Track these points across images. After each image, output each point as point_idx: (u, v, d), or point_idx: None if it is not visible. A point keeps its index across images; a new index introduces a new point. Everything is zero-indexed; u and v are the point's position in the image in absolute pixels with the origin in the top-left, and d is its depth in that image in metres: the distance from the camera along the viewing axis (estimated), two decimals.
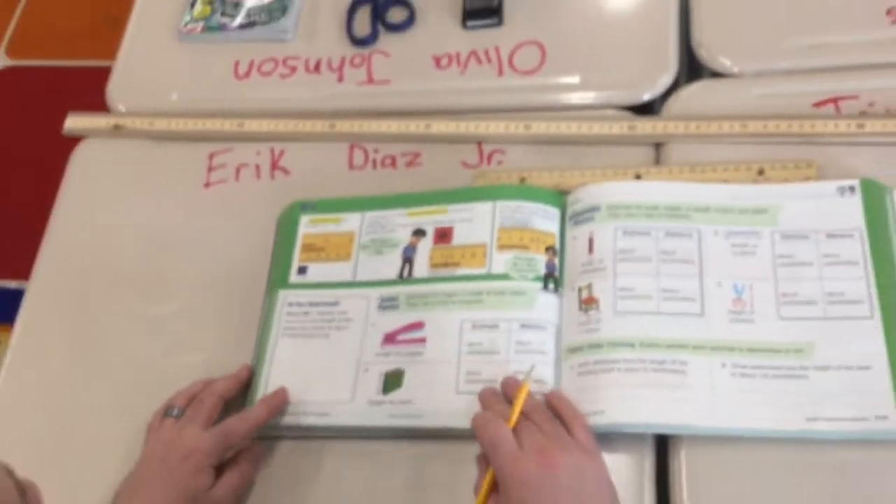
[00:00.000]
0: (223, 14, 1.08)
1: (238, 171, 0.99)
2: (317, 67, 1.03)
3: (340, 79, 1.02)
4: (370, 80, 1.01)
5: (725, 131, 0.87)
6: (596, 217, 0.84)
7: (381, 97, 1.00)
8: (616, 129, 0.90)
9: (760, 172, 0.84)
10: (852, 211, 0.80)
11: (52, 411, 0.90)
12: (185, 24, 1.08)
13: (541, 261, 0.83)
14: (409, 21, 1.03)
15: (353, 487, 0.80)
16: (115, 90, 1.08)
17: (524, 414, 0.73)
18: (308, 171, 0.97)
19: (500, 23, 1.00)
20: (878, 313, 0.75)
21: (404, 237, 0.88)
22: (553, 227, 0.85)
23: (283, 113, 1.00)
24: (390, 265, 0.87)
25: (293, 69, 1.03)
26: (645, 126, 0.90)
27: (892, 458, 0.71)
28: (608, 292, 0.80)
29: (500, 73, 0.97)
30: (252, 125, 1.00)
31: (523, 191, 0.88)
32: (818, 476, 0.72)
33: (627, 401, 0.75)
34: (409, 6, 1.03)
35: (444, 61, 0.99)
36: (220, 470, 0.78)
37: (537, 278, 0.83)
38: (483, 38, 1.00)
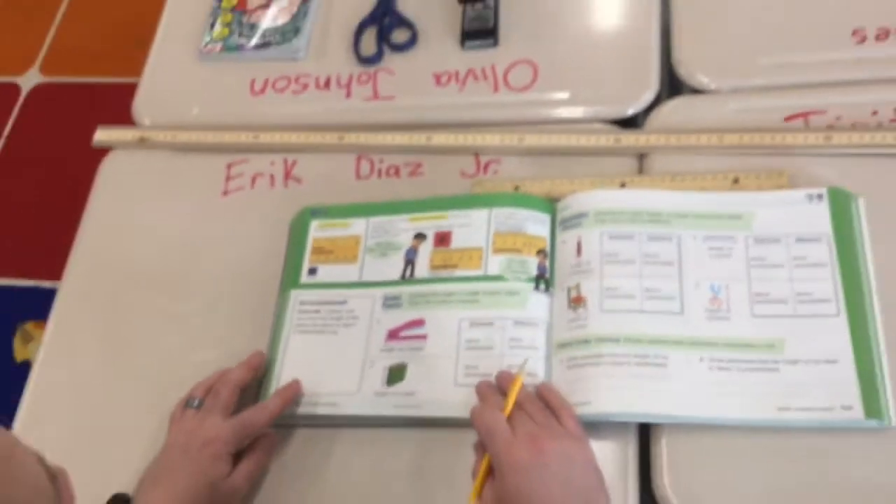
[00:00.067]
0: (240, 35, 1.08)
1: (254, 179, 0.99)
2: (327, 84, 1.03)
3: (348, 95, 1.02)
4: (376, 96, 1.01)
5: (703, 143, 0.87)
6: (584, 222, 0.84)
7: (385, 112, 1.00)
8: (603, 142, 0.90)
9: (735, 181, 0.84)
10: (820, 217, 0.80)
11: (81, 402, 0.90)
12: (206, 45, 1.08)
13: (533, 263, 0.84)
14: (412, 42, 1.03)
15: (360, 471, 0.80)
16: (141, 105, 1.08)
17: (517, 404, 0.73)
18: (318, 180, 0.97)
19: (495, 43, 1.00)
20: (843, 311, 0.75)
21: (406, 241, 0.88)
22: (544, 231, 0.85)
23: (295, 126, 1.00)
24: (394, 267, 0.87)
25: (305, 86, 1.03)
26: (629, 138, 0.90)
27: (857, 445, 0.71)
28: (595, 292, 0.80)
29: (496, 89, 0.97)
30: (267, 137, 1.00)
31: (517, 198, 0.88)
32: (789, 461, 0.72)
33: (613, 392, 0.75)
34: (411, 28, 1.03)
35: (444, 79, 0.99)
36: (237, 457, 0.78)
37: (529, 279, 0.83)
38: (480, 57, 1.00)
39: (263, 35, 1.07)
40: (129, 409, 0.88)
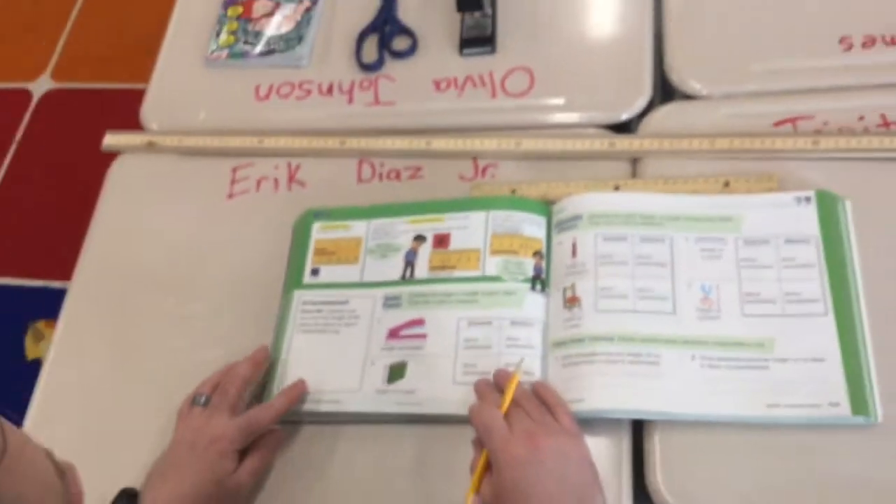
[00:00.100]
0: (245, 43, 1.08)
1: (258, 183, 0.99)
2: (329, 90, 1.03)
3: (350, 100, 1.02)
4: (377, 102, 1.01)
5: (695, 148, 0.87)
6: (579, 225, 0.84)
7: (386, 117, 1.00)
8: (597, 146, 0.90)
9: (726, 184, 0.84)
10: (808, 219, 0.80)
11: (90, 399, 0.90)
12: (212, 52, 1.09)
13: (529, 264, 0.83)
14: (412, 49, 1.03)
15: (362, 466, 0.80)
16: (149, 111, 1.08)
17: (514, 402, 0.73)
18: (321, 183, 0.97)
19: (493, 51, 1.00)
20: (831, 311, 0.75)
21: (406, 242, 0.88)
22: (540, 233, 0.85)
23: (298, 131, 1.00)
24: (394, 267, 0.87)
25: (308, 92, 1.03)
26: (623, 143, 0.90)
27: (844, 441, 0.71)
28: (589, 292, 0.80)
29: (494, 95, 0.97)
30: (271, 142, 1.00)
31: (513, 201, 0.88)
32: (778, 457, 0.72)
33: (607, 389, 0.75)
34: (411, 35, 1.03)
35: (443, 85, 0.99)
36: (242, 453, 0.78)
37: (526, 280, 0.83)
38: (478, 64, 1.00)
39: (268, 43, 1.07)
40: (136, 407, 0.88)
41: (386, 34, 1.04)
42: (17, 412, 0.89)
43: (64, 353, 0.94)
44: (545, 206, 0.87)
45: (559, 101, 0.95)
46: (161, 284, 0.95)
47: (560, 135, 0.92)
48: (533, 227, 0.85)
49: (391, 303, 0.85)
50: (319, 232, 0.91)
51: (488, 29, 1.00)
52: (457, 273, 0.84)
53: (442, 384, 0.80)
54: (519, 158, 0.93)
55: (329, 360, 0.83)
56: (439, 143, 0.95)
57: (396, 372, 0.81)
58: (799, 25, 0.93)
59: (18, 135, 2.08)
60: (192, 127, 1.04)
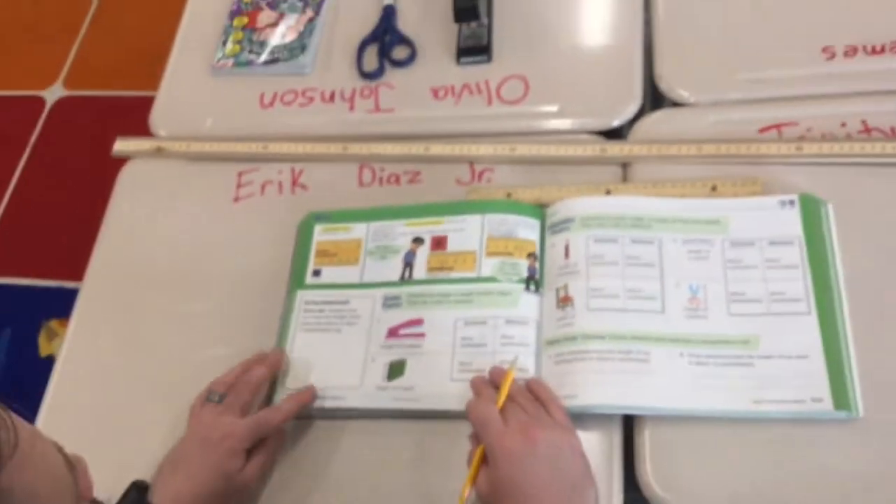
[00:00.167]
0: (250, 52, 1.08)
1: (263, 187, 0.99)
2: (331, 98, 1.03)
3: (352, 107, 1.02)
4: (377, 109, 1.01)
5: (683, 153, 0.87)
6: (571, 227, 0.84)
7: (386, 123, 0.99)
8: (589, 151, 0.90)
9: (713, 188, 0.84)
10: (792, 221, 0.80)
11: (101, 395, 0.90)
12: (218, 60, 1.08)
13: (523, 265, 0.83)
14: (411, 58, 1.03)
15: (363, 460, 0.80)
16: (157, 117, 1.08)
17: (509, 397, 0.73)
18: (324, 187, 0.97)
19: (489, 60, 1.00)
20: (814, 310, 0.75)
21: (405, 244, 0.87)
22: (534, 236, 0.85)
23: (302, 137, 1.00)
24: (393, 269, 0.87)
25: (311, 99, 1.03)
26: (614, 148, 0.90)
27: (826, 435, 0.71)
28: (582, 292, 0.80)
29: (489, 102, 0.97)
30: (275, 147, 1.00)
31: (509, 205, 0.88)
32: (763, 450, 0.72)
33: (598, 385, 0.75)
34: (411, 45, 1.03)
35: (441, 92, 0.99)
36: (248, 451, 0.77)
37: (520, 280, 0.83)
38: (474, 72, 1.00)
39: (272, 52, 1.07)
40: (145, 402, 0.88)
41: (386, 44, 1.04)
42: (31, 406, 0.89)
43: (76, 350, 0.94)
44: (539, 210, 0.87)
45: (553, 108, 0.95)
46: (169, 284, 0.95)
47: (553, 141, 0.92)
48: (527, 229, 0.85)
49: (391, 303, 0.84)
50: (321, 234, 0.91)
51: (484, 39, 1.00)
52: (454, 274, 0.84)
53: (440, 381, 0.79)
54: (514, 163, 0.93)
55: (331, 358, 0.83)
56: (437, 149, 0.95)
57: (396, 369, 0.81)
58: (783, 36, 0.93)
59: (32, 140, 2.08)
60: (200, 133, 1.04)
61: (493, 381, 0.76)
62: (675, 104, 0.93)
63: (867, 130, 0.85)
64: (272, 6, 1.11)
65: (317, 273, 0.89)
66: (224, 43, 1.09)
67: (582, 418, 0.74)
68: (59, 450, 0.49)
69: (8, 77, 2.20)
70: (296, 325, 0.86)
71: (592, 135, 0.93)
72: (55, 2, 2.30)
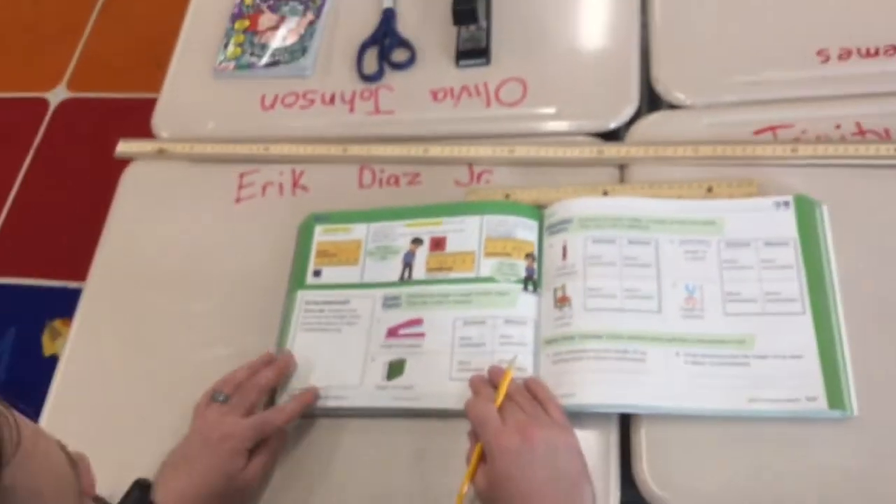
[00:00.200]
0: (252, 54, 1.08)
1: (264, 188, 0.99)
2: (332, 100, 1.03)
3: (352, 110, 1.02)
4: (377, 111, 1.01)
5: (679, 155, 0.87)
6: (569, 228, 0.84)
7: (386, 125, 1.00)
8: (587, 153, 0.90)
9: (709, 190, 0.84)
10: (787, 222, 0.80)
11: (103, 394, 0.90)
12: (220, 63, 1.08)
13: (521, 266, 0.84)
14: (411, 61, 1.03)
15: (363, 457, 0.80)
16: (160, 119, 1.07)
17: (507, 396, 0.73)
18: (324, 188, 0.97)
19: (487, 62, 1.00)
20: (809, 310, 0.75)
21: (405, 245, 0.87)
22: (532, 236, 0.85)
23: (302, 139, 1.00)
24: (393, 269, 0.87)
25: (312, 101, 1.03)
26: (611, 150, 0.90)
27: (821, 433, 0.71)
28: (579, 292, 0.80)
29: (488, 104, 0.97)
30: (276, 149, 1.00)
31: (507, 206, 0.88)
32: (757, 448, 0.72)
33: (595, 384, 0.75)
34: (410, 48, 1.04)
35: (440, 95, 0.99)
36: (250, 451, 0.77)
37: (519, 281, 0.83)
38: (473, 75, 1.00)
39: (273, 54, 1.07)
40: (147, 401, 0.88)
41: (386, 46, 1.04)
42: (35, 405, 0.89)
43: (79, 349, 0.94)
44: (537, 211, 0.87)
45: (551, 110, 0.95)
46: (171, 285, 0.95)
47: (551, 142, 0.92)
48: (525, 230, 0.85)
49: (390, 303, 0.85)
50: (321, 235, 0.91)
51: (483, 42, 1.00)
52: (453, 274, 0.84)
53: (439, 380, 0.79)
54: (512, 165, 0.93)
55: (331, 358, 0.83)
56: (436, 151, 0.95)
57: (396, 369, 0.81)
58: (778, 39, 0.93)
59: (36, 142, 2.08)
60: (201, 135, 1.04)
61: (492, 380, 0.76)
62: (672, 106, 0.93)
63: (861, 132, 0.85)
64: (273, 9, 1.11)
65: (317, 273, 0.89)
66: (226, 46, 1.09)
67: (579, 417, 0.74)
68: (62, 447, 0.49)
69: (12, 79, 2.20)
70: (296, 325, 0.86)
71: (590, 137, 0.93)
72: (59, 4, 2.30)
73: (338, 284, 0.87)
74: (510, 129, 0.96)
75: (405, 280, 0.86)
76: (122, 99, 2.07)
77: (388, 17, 1.06)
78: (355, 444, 0.80)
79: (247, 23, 1.11)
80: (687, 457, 0.73)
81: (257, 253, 0.94)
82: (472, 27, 1.00)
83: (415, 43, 1.04)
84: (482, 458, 0.70)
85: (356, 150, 0.97)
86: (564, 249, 0.83)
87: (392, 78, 1.03)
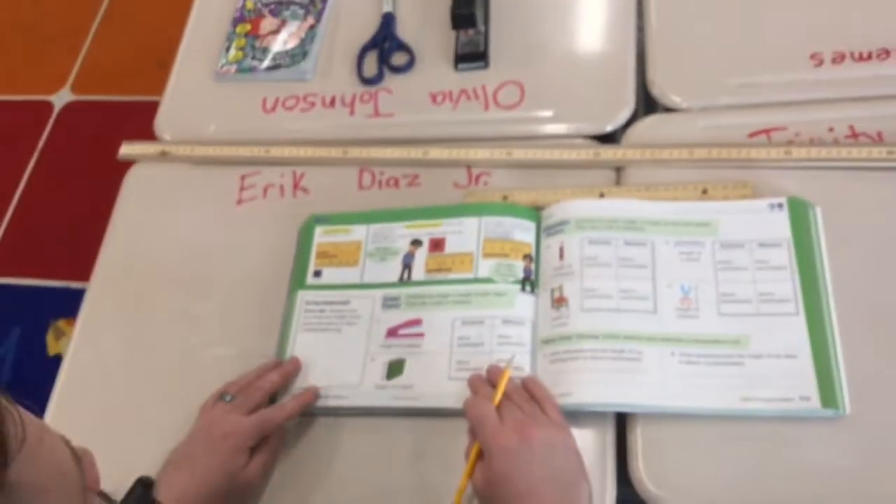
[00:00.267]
0: (253, 58, 1.08)
1: (265, 190, 0.99)
2: (332, 103, 1.03)
3: (352, 112, 1.02)
4: (377, 114, 1.01)
5: (675, 157, 0.87)
6: (566, 229, 0.84)
7: (386, 128, 1.00)
8: (583, 156, 0.90)
9: (704, 191, 0.84)
10: (781, 224, 0.80)
11: (106, 392, 0.90)
12: (221, 67, 1.09)
13: (519, 267, 0.84)
14: (410, 64, 1.03)
15: (363, 456, 0.80)
16: (162, 122, 1.08)
17: (506, 396, 0.73)
18: (325, 190, 0.97)
19: (486, 66, 1.00)
20: (802, 310, 0.75)
21: (404, 246, 0.88)
22: (530, 238, 0.85)
23: (303, 141, 1.00)
24: (392, 270, 0.87)
25: (312, 104, 1.04)
26: (607, 152, 0.90)
27: (814, 432, 0.71)
28: (576, 293, 0.80)
29: (486, 107, 0.97)
30: (277, 152, 1.00)
31: (505, 208, 0.88)
32: (752, 447, 0.72)
33: (592, 384, 0.75)
34: (409, 51, 1.04)
35: (439, 98, 1.00)
36: (252, 450, 0.77)
37: (516, 281, 0.83)
38: (472, 78, 1.00)
39: (274, 58, 1.07)
40: (149, 399, 0.88)
41: (385, 50, 1.04)
42: (39, 403, 0.89)
43: (83, 349, 0.94)
44: (534, 212, 0.87)
45: (548, 113, 0.95)
46: (173, 285, 0.95)
47: (549, 145, 0.92)
48: (523, 232, 0.86)
49: (390, 303, 0.85)
50: (321, 236, 0.91)
51: (481, 45, 1.00)
52: (451, 275, 0.84)
53: (438, 380, 0.80)
54: (510, 167, 0.93)
55: (331, 358, 0.83)
56: (435, 153, 0.95)
57: (395, 368, 0.81)
58: (773, 42, 0.93)
59: (40, 144, 2.08)
60: (203, 137, 1.04)
61: (490, 379, 0.76)
62: (668, 109, 0.93)
63: (854, 135, 0.85)
64: (274, 13, 1.11)
65: (317, 274, 0.89)
66: (227, 49, 1.10)
67: (576, 416, 0.75)
68: (67, 443, 0.49)
69: (18, 82, 2.20)
70: (297, 325, 0.86)
71: (587, 139, 0.93)
72: (63, 9, 2.30)
73: (338, 285, 0.87)
74: (508, 131, 0.96)
75: (404, 281, 0.86)
76: (125, 102, 2.07)
77: (388, 21, 1.06)
78: (355, 443, 0.81)
79: (248, 27, 1.11)
80: (682, 455, 0.73)
81: (258, 254, 0.94)
82: (471, 31, 1.00)
83: (414, 47, 1.04)
84: (480, 456, 0.70)
85: (356, 152, 0.97)
86: (561, 250, 0.83)
87: (392, 81, 1.03)
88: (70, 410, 0.90)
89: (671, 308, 0.78)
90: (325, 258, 0.89)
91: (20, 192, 2.03)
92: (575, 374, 0.76)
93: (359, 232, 0.90)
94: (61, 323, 1.81)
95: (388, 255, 0.87)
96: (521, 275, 0.83)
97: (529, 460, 0.67)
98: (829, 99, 0.88)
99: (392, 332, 0.83)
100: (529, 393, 0.75)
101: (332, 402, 0.81)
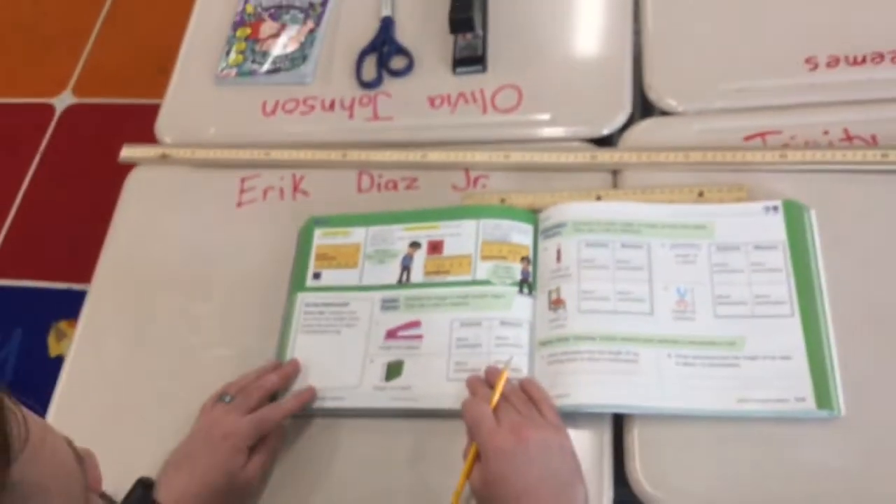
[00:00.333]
0: (253, 62, 1.08)
1: (265, 192, 0.99)
2: (331, 106, 1.03)
3: (351, 116, 1.02)
4: (376, 117, 1.01)
5: (671, 160, 0.87)
6: (563, 232, 0.84)
7: (384, 131, 1.00)
8: (580, 158, 0.90)
9: (700, 194, 0.84)
10: (776, 227, 0.80)
11: (108, 393, 0.90)
12: (222, 70, 1.09)
13: (517, 269, 0.84)
14: (409, 68, 1.03)
15: (362, 457, 0.80)
16: (163, 125, 1.08)
17: (503, 397, 0.73)
18: (324, 193, 0.97)
19: (484, 69, 1.00)
20: (797, 312, 0.75)
21: (403, 248, 0.88)
22: (527, 240, 0.85)
23: (303, 144, 1.00)
24: (391, 272, 0.87)
25: (312, 107, 1.04)
26: (604, 156, 0.90)
27: (809, 433, 0.72)
28: (573, 295, 0.80)
29: (484, 111, 0.98)
30: (277, 154, 1.00)
31: (503, 210, 0.88)
32: (748, 447, 0.72)
33: (589, 385, 0.75)
34: (408, 55, 1.04)
35: (438, 101, 1.00)
36: (250, 449, 0.77)
37: (514, 283, 0.83)
38: (470, 82, 1.00)
39: (274, 62, 1.07)
40: (150, 400, 0.88)
41: (384, 54, 1.04)
42: (41, 404, 0.89)
43: (84, 350, 0.94)
44: (532, 215, 0.87)
45: (545, 116, 0.95)
46: (174, 287, 0.95)
47: (546, 148, 0.92)
48: (520, 234, 0.86)
49: (389, 305, 0.85)
50: (321, 238, 0.91)
51: (479, 49, 1.00)
52: (450, 277, 0.84)
53: (436, 381, 0.80)
54: (508, 170, 0.93)
55: (330, 359, 0.83)
56: (434, 156, 0.95)
57: (394, 370, 0.81)
58: (768, 47, 0.93)
59: (42, 146, 2.08)
60: (204, 140, 1.04)
61: (488, 380, 0.76)
62: (664, 113, 0.93)
63: (849, 138, 0.85)
64: (274, 17, 1.11)
65: (317, 276, 0.89)
66: (227, 53, 1.10)
67: (573, 417, 0.75)
68: (69, 443, 0.49)
69: (20, 85, 2.20)
70: (296, 327, 0.86)
71: (584, 142, 0.93)
72: (65, 13, 2.30)
73: (337, 287, 0.87)
74: (506, 135, 0.96)
75: (403, 283, 0.86)
76: (126, 105, 2.07)
77: (387, 25, 1.06)
78: (354, 444, 0.80)
79: (248, 31, 1.11)
80: (679, 456, 0.73)
81: (258, 256, 0.94)
82: (469, 35, 1.00)
83: (413, 50, 1.04)
84: (478, 456, 0.70)
85: (355, 155, 0.97)
86: (559, 253, 0.83)
87: (390, 85, 1.03)
88: (71, 411, 0.90)
89: (667, 310, 0.78)
90: (325, 260, 0.89)
91: (22, 195, 2.03)
92: (572, 376, 0.76)
93: (358, 234, 0.90)
94: (63, 324, 1.81)
95: (386, 258, 0.88)
96: (518, 277, 0.83)
97: (526, 461, 0.67)
98: (823, 102, 0.88)
99: (391, 334, 0.83)
100: (527, 394, 0.75)
101: (331, 404, 0.81)
